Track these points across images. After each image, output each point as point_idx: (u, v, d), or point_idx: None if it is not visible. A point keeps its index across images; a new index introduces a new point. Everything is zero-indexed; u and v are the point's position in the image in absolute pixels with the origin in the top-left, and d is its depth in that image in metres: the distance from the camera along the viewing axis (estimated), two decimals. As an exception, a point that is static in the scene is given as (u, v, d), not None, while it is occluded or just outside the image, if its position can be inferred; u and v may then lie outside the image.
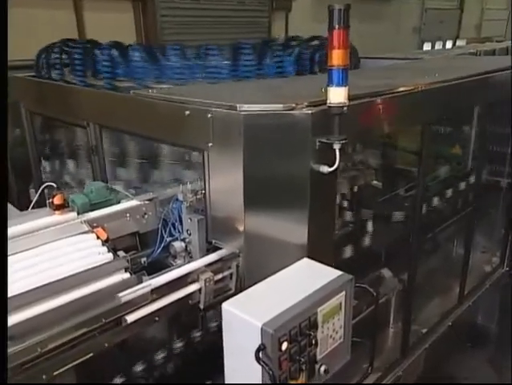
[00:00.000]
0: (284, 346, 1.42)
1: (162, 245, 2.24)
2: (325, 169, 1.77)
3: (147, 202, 2.25)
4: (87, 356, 1.62)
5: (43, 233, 1.86)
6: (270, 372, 1.34)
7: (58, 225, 1.91)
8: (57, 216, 1.93)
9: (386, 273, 2.94)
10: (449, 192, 3.38)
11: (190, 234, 2.15)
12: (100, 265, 1.77)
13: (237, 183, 1.80)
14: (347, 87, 1.63)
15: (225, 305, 1.52)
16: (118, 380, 1.86)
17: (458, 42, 8.21)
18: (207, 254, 2.07)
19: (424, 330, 3.02)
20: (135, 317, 1.73)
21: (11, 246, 1.75)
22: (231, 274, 2.11)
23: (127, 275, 1.80)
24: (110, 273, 1.77)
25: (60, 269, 1.70)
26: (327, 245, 1.95)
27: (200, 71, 2.62)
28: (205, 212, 2.05)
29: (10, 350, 1.43)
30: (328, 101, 1.66)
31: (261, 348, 1.38)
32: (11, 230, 1.80)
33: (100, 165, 2.50)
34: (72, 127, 2.68)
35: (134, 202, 2.24)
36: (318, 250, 1.87)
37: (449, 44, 7.89)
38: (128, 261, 1.88)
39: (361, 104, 1.89)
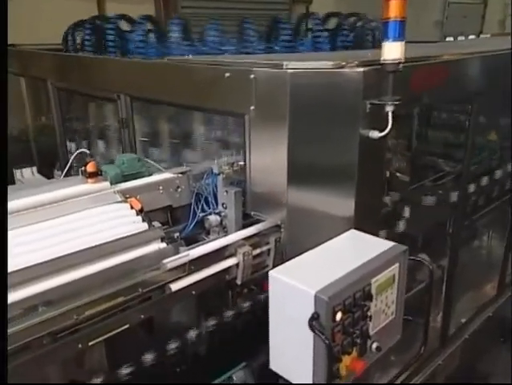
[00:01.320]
0: (338, 316, 1.30)
1: (195, 220, 2.15)
2: (375, 134, 1.65)
3: (180, 175, 2.16)
4: (123, 327, 1.53)
5: (76, 201, 1.78)
6: (326, 341, 1.23)
7: (91, 194, 1.83)
8: (90, 185, 1.85)
9: (424, 258, 2.80)
10: (488, 179, 3.24)
11: (226, 208, 2.05)
12: (136, 234, 1.69)
13: (281, 149, 1.70)
14: (403, 42, 1.52)
15: (273, 273, 1.41)
16: (147, 358, 1.76)
17: (482, 37, 8.00)
18: (245, 228, 1.98)
19: (464, 320, 2.88)
20: (175, 287, 1.64)
21: (44, 212, 1.68)
22: (269, 250, 2.01)
23: (163, 245, 1.72)
24: (146, 242, 1.68)
25: (96, 236, 1.61)
26: (374, 219, 1.84)
27: (236, 46, 2.51)
28: (244, 184, 1.95)
29: (45, 315, 1.35)
30: (382, 57, 1.54)
31: (314, 317, 1.27)
32: (43, 196, 1.72)
33: (130, 140, 2.42)
34: (101, 101, 2.61)
35: (167, 175, 2.16)
36: (365, 224, 1.75)
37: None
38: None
39: (415, 66, 1.76)
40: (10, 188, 1.56)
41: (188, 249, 1.74)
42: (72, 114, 2.99)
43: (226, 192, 2.01)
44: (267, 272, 2.01)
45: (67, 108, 2.98)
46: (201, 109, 2.05)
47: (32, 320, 1.32)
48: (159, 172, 2.19)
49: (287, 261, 1.63)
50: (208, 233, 2.16)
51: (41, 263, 1.43)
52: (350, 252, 1.53)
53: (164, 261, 1.61)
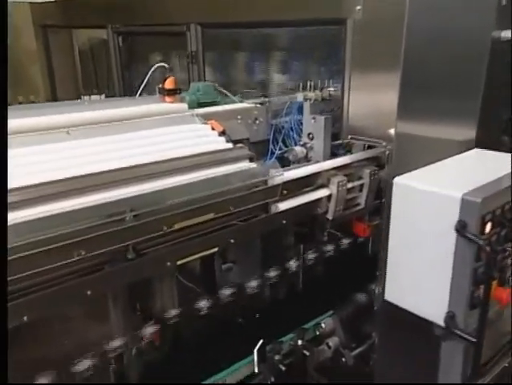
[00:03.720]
0: (488, 227, 1.06)
1: (274, 156, 1.95)
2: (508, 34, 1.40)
3: (259, 106, 1.96)
4: (212, 250, 1.34)
5: (152, 119, 1.61)
6: (476, 249, 0.99)
7: (168, 115, 1.65)
8: (167, 105, 1.67)
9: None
10: None
11: (312, 138, 1.83)
12: (223, 150, 1.50)
13: (394, 63, 1.44)
14: None
15: (400, 180, 1.18)
16: (228, 292, 1.56)
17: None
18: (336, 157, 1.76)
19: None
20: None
21: (119, 127, 1.51)
22: (361, 186, 1.78)
23: (253, 164, 1.52)
24: (235, 160, 1.49)
25: (178, 151, 1.43)
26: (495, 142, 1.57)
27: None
28: (337, 110, 1.72)
29: (130, 224, 1.17)
30: None
31: (461, 224, 1.03)
32: (116, 112, 1.55)
33: (200, 75, 2.24)
34: (167, 37, 2.43)
35: (245, 104, 1.96)
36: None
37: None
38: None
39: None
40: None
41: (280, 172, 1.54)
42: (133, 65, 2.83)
43: (314, 119, 1.79)
44: (358, 212, 1.85)
45: (128, 52, 2.81)
46: (288, 23, 1.82)
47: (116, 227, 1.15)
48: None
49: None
50: (289, 170, 1.96)
51: (124, 168, 1.26)
52: (481, 166, 1.28)
53: (255, 180, 1.42)
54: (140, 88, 1.84)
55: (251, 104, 1.93)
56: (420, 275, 1.15)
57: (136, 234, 1.17)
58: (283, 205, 1.51)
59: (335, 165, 1.66)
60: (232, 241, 1.39)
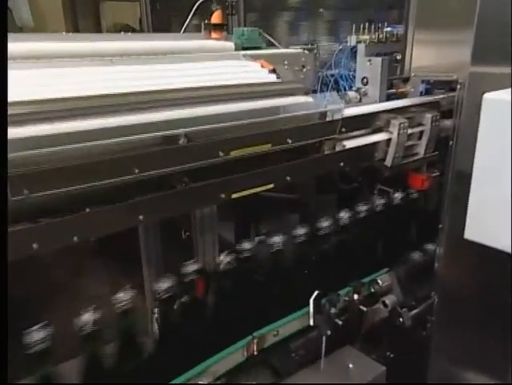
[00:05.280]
0: None
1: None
2: None
3: (306, 52, 1.84)
4: (267, 186, 1.23)
5: (202, 54, 1.49)
6: None
7: (215, 52, 1.54)
8: (214, 41, 1.56)
9: None
10: None
11: (367, 83, 1.70)
12: (278, 82, 1.39)
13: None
14: None
15: (490, 96, 1.04)
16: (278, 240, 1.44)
17: None
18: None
19: None
20: (327, 147, 1.32)
21: (169, 59, 1.41)
22: (421, 134, 1.64)
23: (309, 99, 1.40)
24: (289, 93, 1.37)
25: (233, 81, 1.32)
26: None
27: None
28: (404, 45, 1.57)
29: (185, 145, 1.06)
30: None
31: None
32: (166, 44, 1.44)
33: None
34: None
35: (292, 50, 1.84)
36: None
37: None
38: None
39: None
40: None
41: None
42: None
43: (370, 61, 1.66)
44: (416, 162, 1.71)
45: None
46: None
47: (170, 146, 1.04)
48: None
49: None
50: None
51: (177, 89, 1.15)
52: None
53: (313, 110, 1.30)
54: (185, 24, 1.73)
55: (299, 50, 1.81)
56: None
57: (190, 157, 1.06)
58: (342, 145, 1.40)
59: (397, 106, 1.53)
60: (288, 178, 1.27)
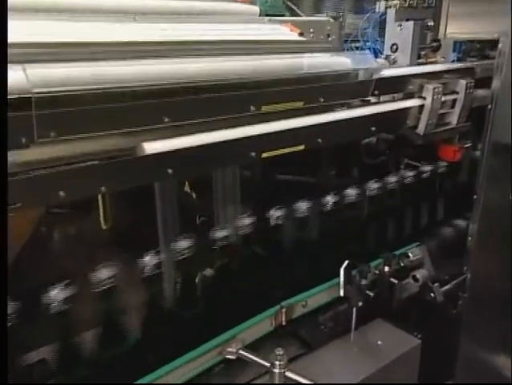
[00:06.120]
0: None
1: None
2: None
3: (331, 20, 1.77)
4: (298, 147, 1.17)
5: (228, 16, 1.43)
6: None
7: (240, 15, 1.49)
8: (239, 4, 1.50)
9: None
10: None
11: (396, 49, 1.63)
12: (309, 41, 1.33)
13: None
14: None
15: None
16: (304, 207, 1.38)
17: None
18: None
19: None
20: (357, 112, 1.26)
21: (192, 19, 1.35)
22: (454, 101, 1.57)
23: (343, 58, 1.32)
24: (321, 51, 1.31)
25: (262, 37, 1.27)
26: None
27: None
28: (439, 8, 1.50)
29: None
30: None
31: None
32: (187, 3, 1.39)
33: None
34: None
35: (317, 18, 1.78)
36: None
37: None
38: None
39: None
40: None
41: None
42: None
43: (400, 26, 1.59)
44: (449, 132, 1.64)
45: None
46: None
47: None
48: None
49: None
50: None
51: (204, 41, 1.10)
52: None
53: (346, 68, 1.23)
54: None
55: (324, 18, 1.75)
56: None
57: (222, 109, 1.01)
58: (374, 109, 1.34)
59: (430, 70, 1.46)
60: (319, 140, 1.21)
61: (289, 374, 0.99)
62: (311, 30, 1.72)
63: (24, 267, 0.91)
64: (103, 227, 1.02)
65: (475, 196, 1.51)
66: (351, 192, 1.48)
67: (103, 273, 0.95)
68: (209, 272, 1.14)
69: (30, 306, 0.90)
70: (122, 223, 1.10)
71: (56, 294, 0.89)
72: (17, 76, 0.74)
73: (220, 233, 1.17)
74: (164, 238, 1.11)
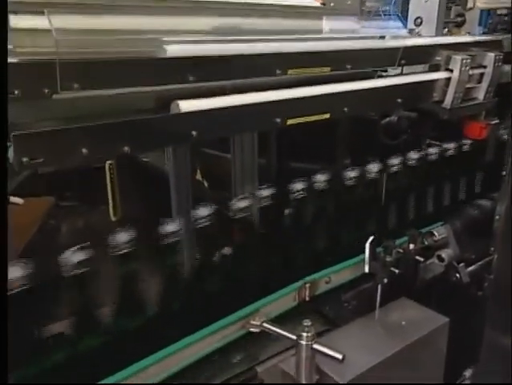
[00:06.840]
0: None
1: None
2: None
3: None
4: (323, 116, 1.13)
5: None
6: None
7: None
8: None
9: None
10: None
11: (421, 23, 1.58)
12: (334, 7, 1.29)
13: None
14: None
15: None
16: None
17: None
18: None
19: None
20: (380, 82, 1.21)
21: None
22: (481, 76, 1.52)
23: (369, 23, 1.29)
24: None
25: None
26: None
27: None
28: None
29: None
30: None
31: None
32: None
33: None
34: None
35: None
36: None
37: None
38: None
39: None
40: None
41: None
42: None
43: (426, -3, 1.54)
44: (475, 108, 1.58)
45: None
46: None
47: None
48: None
49: None
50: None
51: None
52: None
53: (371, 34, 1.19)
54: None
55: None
56: None
57: (242, 71, 0.97)
58: (401, 79, 1.29)
59: (458, 41, 1.41)
60: (345, 109, 1.17)
61: (316, 346, 0.95)
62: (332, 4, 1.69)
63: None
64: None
65: (503, 173, 1.46)
66: (376, 169, 1.43)
67: (123, 237, 0.91)
68: (233, 246, 1.10)
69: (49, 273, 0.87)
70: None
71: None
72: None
73: (241, 203, 1.14)
74: (185, 209, 1.09)
